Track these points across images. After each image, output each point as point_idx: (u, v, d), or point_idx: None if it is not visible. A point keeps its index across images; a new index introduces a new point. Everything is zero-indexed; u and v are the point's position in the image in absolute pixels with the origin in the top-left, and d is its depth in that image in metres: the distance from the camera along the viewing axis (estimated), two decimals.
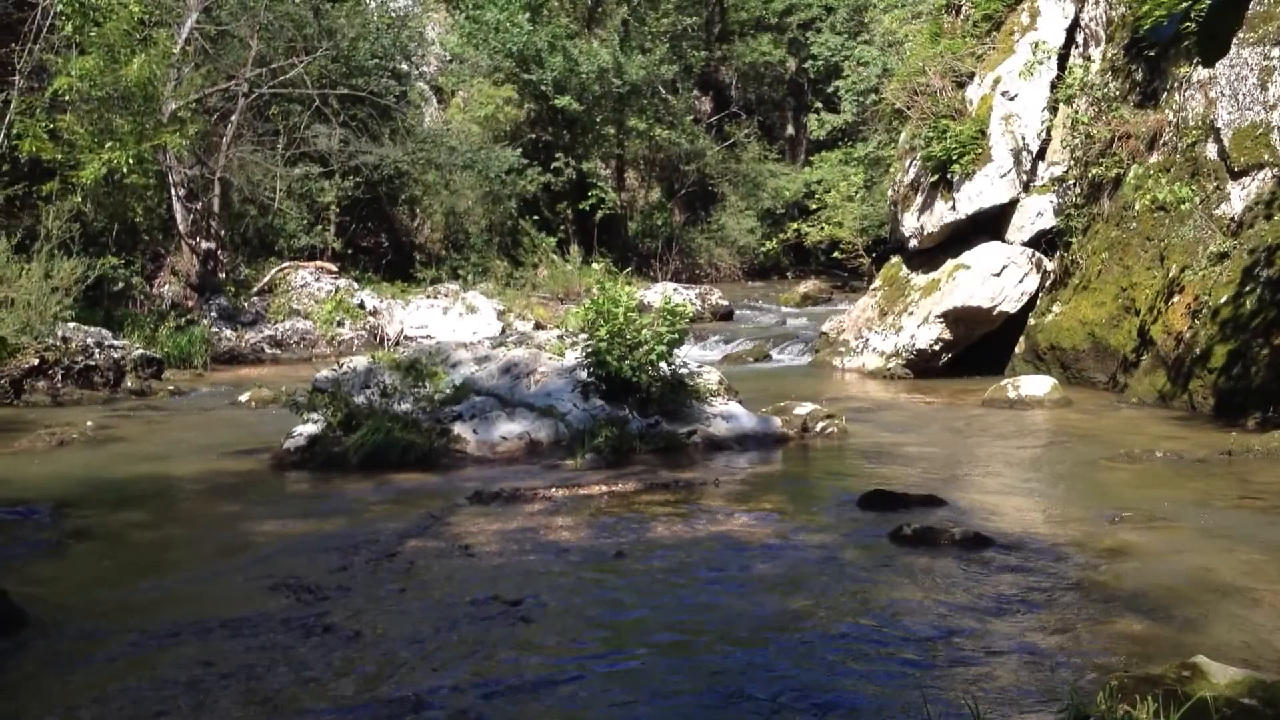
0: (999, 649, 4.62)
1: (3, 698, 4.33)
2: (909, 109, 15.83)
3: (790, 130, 35.20)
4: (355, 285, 19.85)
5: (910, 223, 15.67)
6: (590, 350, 9.48)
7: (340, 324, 18.43)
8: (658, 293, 16.50)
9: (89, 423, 10.45)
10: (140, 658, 4.64)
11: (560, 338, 10.65)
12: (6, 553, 6.22)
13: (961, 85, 15.32)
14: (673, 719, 4.04)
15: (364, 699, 4.20)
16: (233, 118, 18.70)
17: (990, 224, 14.74)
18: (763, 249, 29.38)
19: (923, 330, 14.59)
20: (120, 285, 16.60)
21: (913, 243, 15.69)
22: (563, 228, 27.78)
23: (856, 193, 24.36)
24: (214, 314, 17.40)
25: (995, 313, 14.23)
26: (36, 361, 12.31)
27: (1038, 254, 14.29)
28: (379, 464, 8.47)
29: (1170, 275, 11.60)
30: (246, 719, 4.06)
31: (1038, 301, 14.07)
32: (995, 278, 14.22)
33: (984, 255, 14.46)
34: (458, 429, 9.05)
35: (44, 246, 13.99)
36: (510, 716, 4.07)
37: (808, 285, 25.56)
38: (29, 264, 13.42)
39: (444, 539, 6.47)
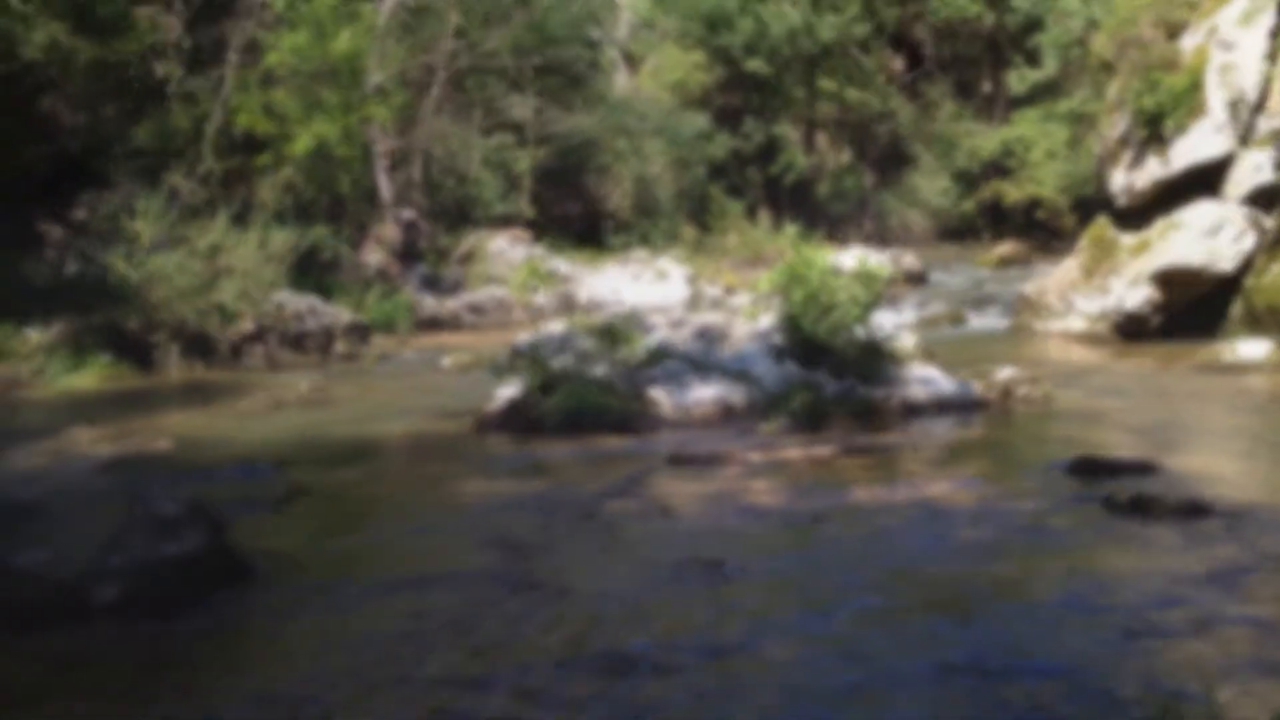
0: (1220, 620, 4.43)
1: (230, 645, 4.60)
2: (1117, 61, 15.13)
3: (987, 87, 34.10)
4: (548, 252, 20.21)
5: (1118, 180, 15.00)
6: (784, 314, 9.42)
7: (534, 290, 18.80)
8: (850, 256, 16.28)
9: (303, 385, 10.95)
10: (358, 609, 4.86)
11: (753, 302, 10.61)
12: (232, 508, 6.59)
13: (1174, 35, 14.55)
14: (878, 686, 4.01)
15: (572, 654, 4.30)
16: (432, 90, 19.23)
17: (1204, 180, 13.98)
18: (957, 210, 28.62)
19: (1131, 292, 13.98)
20: (329, 254, 17.31)
21: (1121, 201, 15.02)
22: (751, 192, 27.64)
23: (1059, 150, 23.45)
24: (416, 281, 17.98)
25: (1209, 273, 13.52)
26: (254, 328, 12.97)
27: (1255, 211, 13.50)
28: (576, 427, 8.61)
29: None
30: (462, 669, 4.22)
31: (1255, 261, 13.31)
32: (1209, 237, 13.50)
33: (1198, 213, 13.74)
34: (653, 393, 9.12)
35: (259, 217, 14.68)
36: (713, 676, 4.10)
37: (1005, 247, 24.78)
38: (246, 234, 14.09)
39: (642, 500, 6.55)
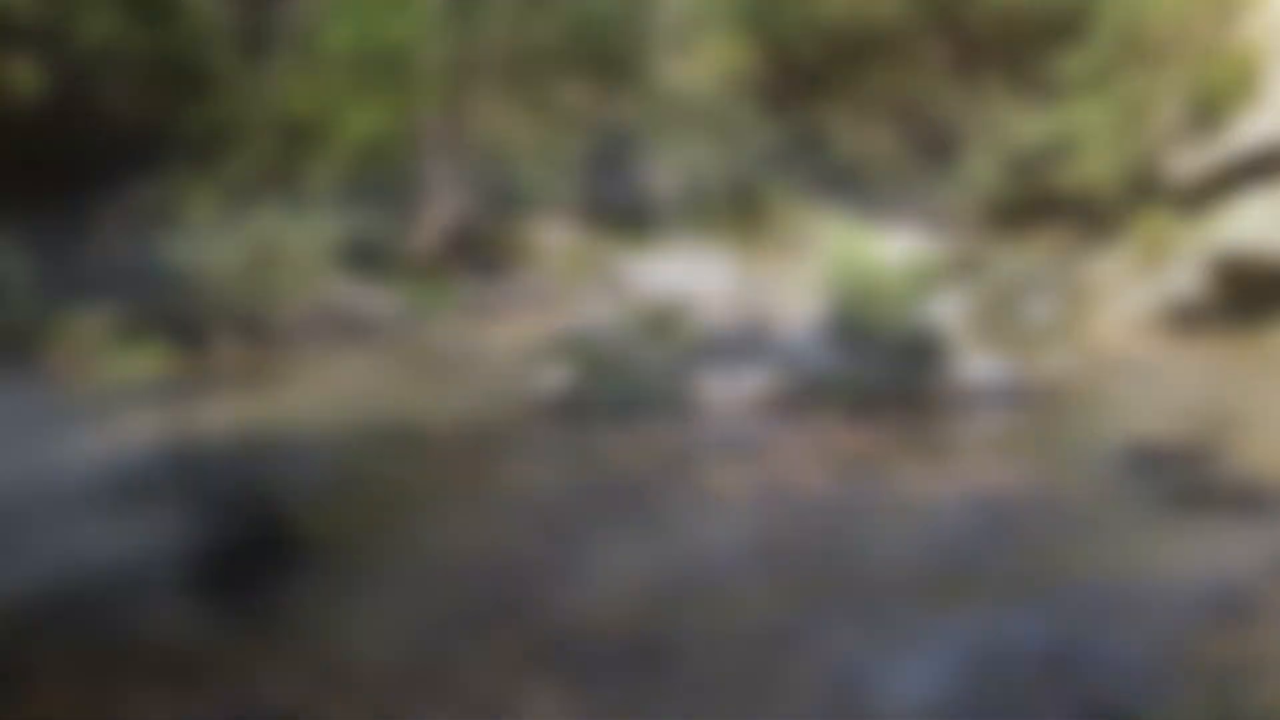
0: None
1: (285, 626, 4.64)
2: (1174, 44, 14.90)
3: (1037, 71, 33.71)
4: (596, 239, 20.21)
5: (1174, 165, 14.82)
6: (833, 301, 9.38)
7: (582, 277, 18.82)
8: (900, 242, 16.15)
9: (352, 370, 11.01)
10: (415, 592, 4.89)
11: (801, 290, 10.58)
12: (291, 488, 6.65)
13: (1232, 16, 14.31)
14: (927, 676, 3.99)
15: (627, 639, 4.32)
16: (483, 76, 19.26)
17: (1266, 164, 13.77)
18: (1007, 196, 28.30)
19: (1188, 279, 13.80)
20: (378, 240, 17.41)
21: (1177, 186, 14.83)
22: (800, 179, 27.49)
23: (1112, 135, 23.12)
24: (464, 268, 18.06)
25: (1269, 259, 13.31)
26: (305, 313, 13.11)
27: None
28: (625, 414, 8.60)
29: None
30: (527, 655, 4.24)
31: None
32: (1269, 221, 13.30)
33: (1257, 198, 13.56)
34: (701, 380, 9.12)
35: (310, 204, 14.78)
36: (758, 665, 4.10)
37: (1055, 232, 24.51)
38: (296, 220, 14.19)
39: (690, 485, 6.55)
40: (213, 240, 13.12)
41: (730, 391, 9.02)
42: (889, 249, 12.49)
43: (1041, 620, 4.39)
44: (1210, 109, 13.89)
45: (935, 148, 31.49)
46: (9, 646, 4.40)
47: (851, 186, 28.46)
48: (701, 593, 4.77)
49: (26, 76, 14.47)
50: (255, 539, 5.06)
